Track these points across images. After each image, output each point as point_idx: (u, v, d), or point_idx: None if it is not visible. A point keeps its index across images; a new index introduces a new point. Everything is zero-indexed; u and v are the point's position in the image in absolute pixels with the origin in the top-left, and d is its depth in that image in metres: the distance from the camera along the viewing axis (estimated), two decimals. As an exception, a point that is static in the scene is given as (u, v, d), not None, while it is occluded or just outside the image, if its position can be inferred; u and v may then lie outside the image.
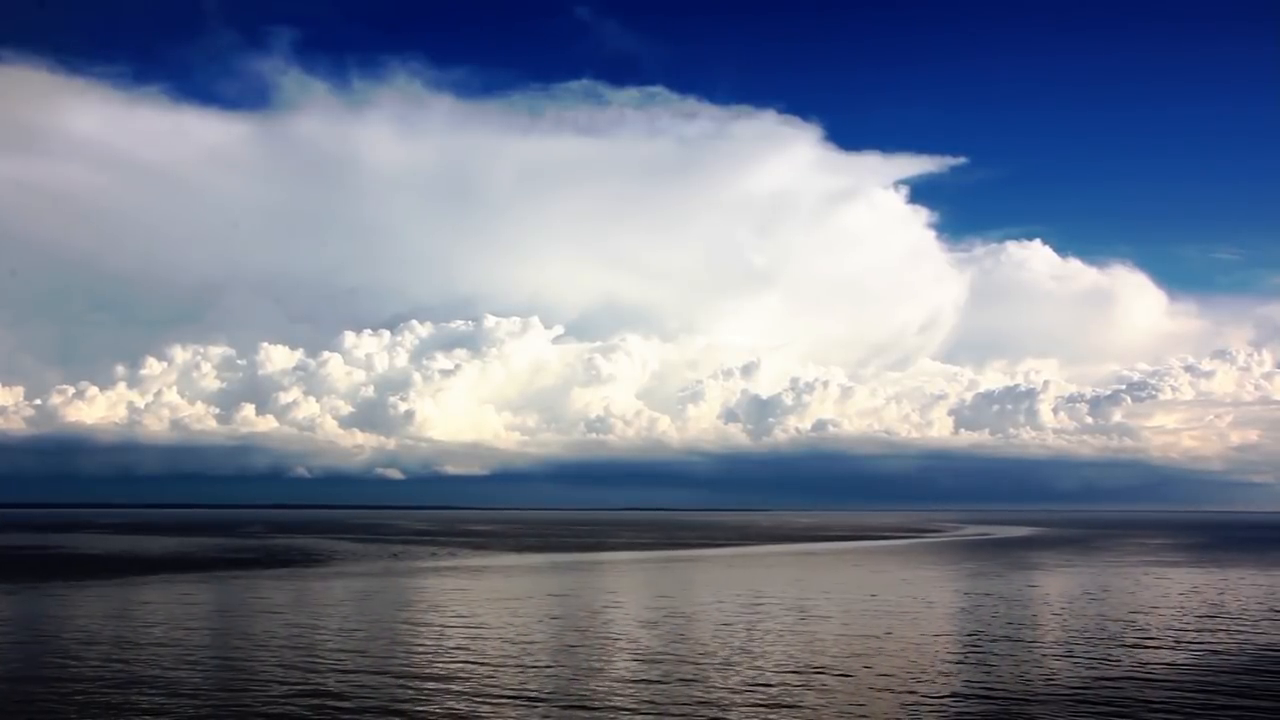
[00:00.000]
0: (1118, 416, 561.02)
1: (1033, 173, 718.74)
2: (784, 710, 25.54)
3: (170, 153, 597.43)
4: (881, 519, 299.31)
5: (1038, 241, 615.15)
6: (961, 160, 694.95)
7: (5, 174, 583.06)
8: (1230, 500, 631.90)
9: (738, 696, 27.06)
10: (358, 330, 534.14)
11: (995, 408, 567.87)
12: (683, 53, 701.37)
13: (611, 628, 40.54)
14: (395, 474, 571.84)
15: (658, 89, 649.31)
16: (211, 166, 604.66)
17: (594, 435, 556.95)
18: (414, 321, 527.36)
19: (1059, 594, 56.46)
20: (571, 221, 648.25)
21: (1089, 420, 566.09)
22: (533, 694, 27.35)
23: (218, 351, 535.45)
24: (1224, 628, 41.34)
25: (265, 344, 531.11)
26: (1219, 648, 35.92)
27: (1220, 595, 55.73)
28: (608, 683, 28.89)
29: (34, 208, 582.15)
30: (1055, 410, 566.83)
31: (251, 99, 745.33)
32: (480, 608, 48.15)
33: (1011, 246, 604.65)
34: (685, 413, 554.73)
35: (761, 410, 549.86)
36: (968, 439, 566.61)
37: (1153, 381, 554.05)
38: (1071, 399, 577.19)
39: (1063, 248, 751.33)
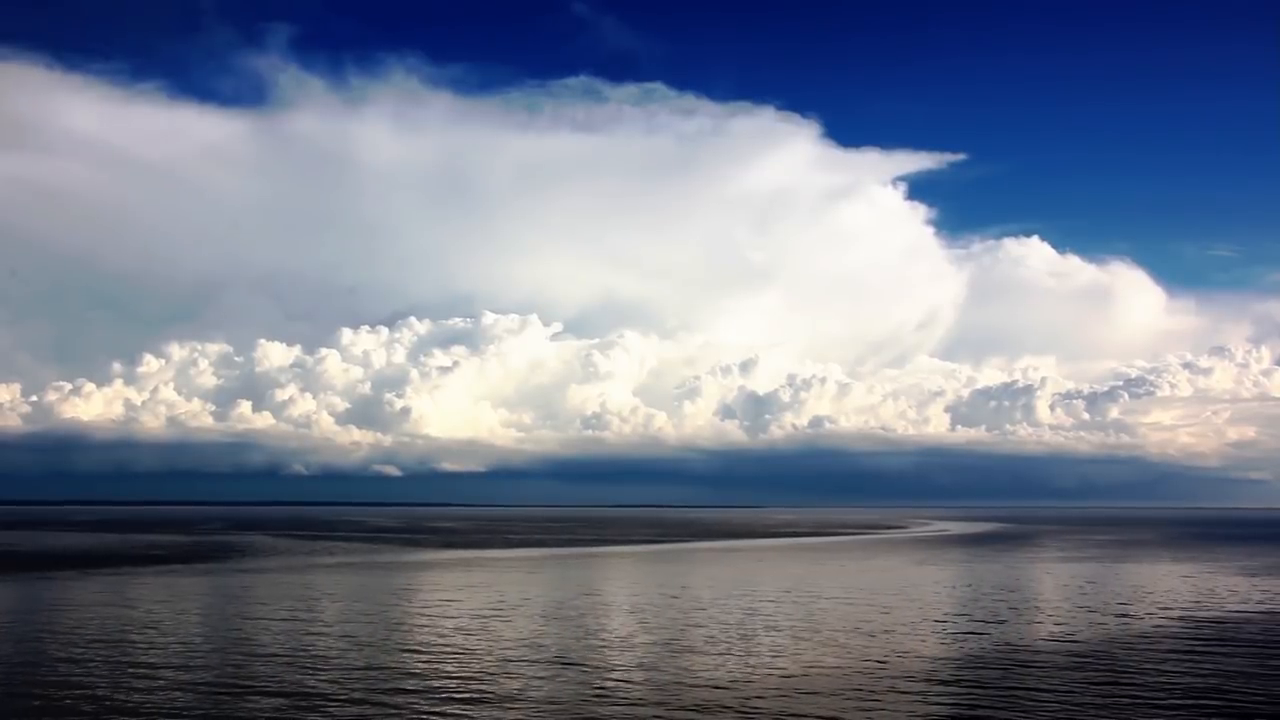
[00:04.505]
0: (1115, 413, 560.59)
1: (1031, 169, 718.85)
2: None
3: (167, 150, 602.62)
4: (858, 516, 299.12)
5: (1036, 238, 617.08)
6: (960, 157, 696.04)
7: (2, 171, 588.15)
8: (1227, 497, 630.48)
9: (461, 687, 27.56)
10: (355, 327, 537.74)
11: (992, 404, 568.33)
12: (681, 49, 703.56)
13: (428, 623, 41.10)
14: (392, 471, 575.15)
15: (656, 86, 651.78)
16: (209, 164, 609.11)
17: (590, 432, 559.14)
18: (412, 319, 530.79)
19: (907, 585, 56.59)
20: (570, 218, 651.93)
21: (1086, 417, 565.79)
22: (314, 691, 27.78)
23: (215, 349, 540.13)
24: (1020, 619, 41.52)
25: (262, 341, 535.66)
26: (975, 638, 36.13)
27: (1067, 587, 55.90)
28: (386, 676, 29.37)
29: (31, 205, 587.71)
30: (1052, 407, 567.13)
31: (248, 96, 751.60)
32: (322, 603, 48.69)
33: (1009, 243, 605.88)
34: (682, 410, 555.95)
35: (758, 407, 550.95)
36: (964, 436, 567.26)
37: (1150, 378, 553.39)
38: (1069, 395, 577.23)
39: (1061, 244, 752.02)
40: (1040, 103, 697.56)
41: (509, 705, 25.41)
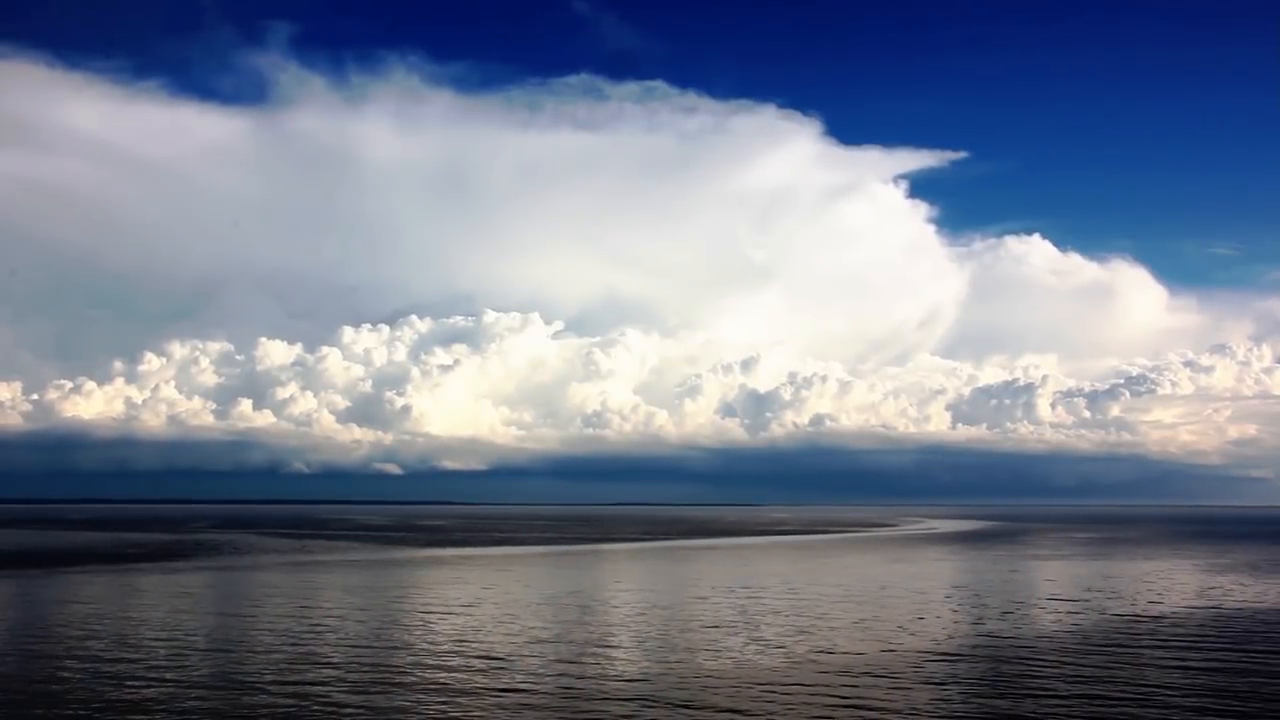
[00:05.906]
0: (1116, 411, 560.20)
1: (1033, 167, 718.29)
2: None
3: (169, 148, 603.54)
4: (854, 514, 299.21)
5: (1037, 236, 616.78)
6: (961, 155, 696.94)
7: (3, 169, 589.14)
8: (1228, 495, 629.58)
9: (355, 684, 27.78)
10: (356, 326, 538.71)
11: (993, 402, 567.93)
12: (682, 47, 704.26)
13: (367, 619, 41.35)
14: (393, 469, 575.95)
15: (657, 83, 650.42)
16: (210, 162, 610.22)
17: (591, 430, 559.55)
18: (413, 317, 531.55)
19: (869, 583, 56.64)
20: (571, 217, 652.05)
21: (1087, 415, 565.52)
22: (226, 681, 28.03)
23: (216, 347, 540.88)
24: (963, 616, 41.64)
25: (263, 339, 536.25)
26: (907, 635, 36.23)
27: (1028, 584, 56.03)
28: (301, 669, 29.60)
29: (32, 203, 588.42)
30: (1053, 405, 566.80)
31: (249, 94, 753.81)
32: (272, 599, 48.94)
33: (1011, 241, 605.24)
34: (683, 408, 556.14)
35: (759, 405, 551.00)
36: (965, 434, 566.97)
37: (1152, 376, 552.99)
38: (1069, 394, 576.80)
39: (1062, 242, 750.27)
40: (1041, 101, 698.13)
41: (414, 695, 25.59)
